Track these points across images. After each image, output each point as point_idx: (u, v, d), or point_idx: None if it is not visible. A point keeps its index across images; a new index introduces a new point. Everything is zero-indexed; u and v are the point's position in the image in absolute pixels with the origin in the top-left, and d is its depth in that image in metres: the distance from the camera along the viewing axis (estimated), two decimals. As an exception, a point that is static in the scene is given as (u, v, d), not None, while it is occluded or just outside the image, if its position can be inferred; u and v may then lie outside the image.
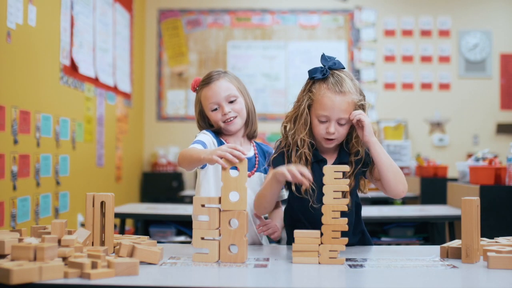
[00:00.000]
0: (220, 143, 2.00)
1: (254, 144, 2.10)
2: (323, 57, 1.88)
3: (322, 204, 1.63)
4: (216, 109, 1.99)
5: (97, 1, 4.43)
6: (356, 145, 1.90)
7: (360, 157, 1.91)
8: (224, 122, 1.99)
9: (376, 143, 1.83)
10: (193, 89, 2.08)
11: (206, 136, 2.00)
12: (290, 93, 6.19)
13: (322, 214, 1.62)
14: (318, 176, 1.81)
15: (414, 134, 6.20)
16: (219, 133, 2.05)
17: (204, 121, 2.07)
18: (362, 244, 1.99)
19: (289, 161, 1.88)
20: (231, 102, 1.99)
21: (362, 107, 1.88)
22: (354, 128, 1.89)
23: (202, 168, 1.99)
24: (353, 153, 1.91)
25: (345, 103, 1.83)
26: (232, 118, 1.99)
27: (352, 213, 1.92)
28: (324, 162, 1.89)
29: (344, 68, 1.90)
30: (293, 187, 1.88)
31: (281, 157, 1.91)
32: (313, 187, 1.81)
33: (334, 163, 1.90)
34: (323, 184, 1.64)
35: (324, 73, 1.85)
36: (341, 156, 1.93)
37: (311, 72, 1.88)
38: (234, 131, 2.03)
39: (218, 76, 2.01)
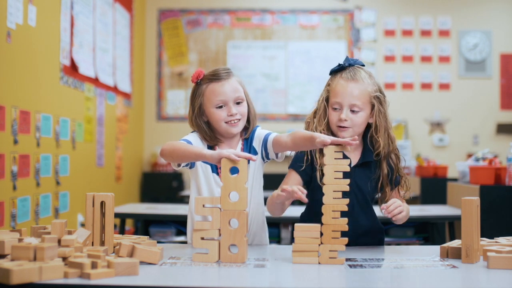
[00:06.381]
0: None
1: (243, 141, 2.03)
2: (346, 58, 1.95)
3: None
4: (221, 107, 1.93)
5: (97, 1, 4.42)
6: (378, 138, 1.89)
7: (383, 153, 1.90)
8: (227, 122, 1.93)
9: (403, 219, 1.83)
10: (195, 80, 1.98)
11: (196, 138, 1.97)
12: (290, 93, 6.19)
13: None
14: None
15: (414, 134, 6.20)
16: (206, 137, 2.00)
17: (201, 117, 1.98)
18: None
19: (311, 157, 1.89)
20: (238, 103, 1.95)
21: (377, 99, 1.89)
22: (373, 123, 1.91)
23: (191, 168, 1.96)
24: (377, 149, 1.90)
25: (357, 89, 1.86)
26: (237, 120, 1.94)
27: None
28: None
29: (363, 66, 1.95)
30: (318, 176, 1.86)
31: (302, 153, 1.92)
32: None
33: (358, 163, 1.91)
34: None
35: (340, 64, 1.92)
36: (365, 155, 1.91)
37: (331, 69, 1.96)
38: (235, 134, 1.98)
39: (229, 75, 1.95)
